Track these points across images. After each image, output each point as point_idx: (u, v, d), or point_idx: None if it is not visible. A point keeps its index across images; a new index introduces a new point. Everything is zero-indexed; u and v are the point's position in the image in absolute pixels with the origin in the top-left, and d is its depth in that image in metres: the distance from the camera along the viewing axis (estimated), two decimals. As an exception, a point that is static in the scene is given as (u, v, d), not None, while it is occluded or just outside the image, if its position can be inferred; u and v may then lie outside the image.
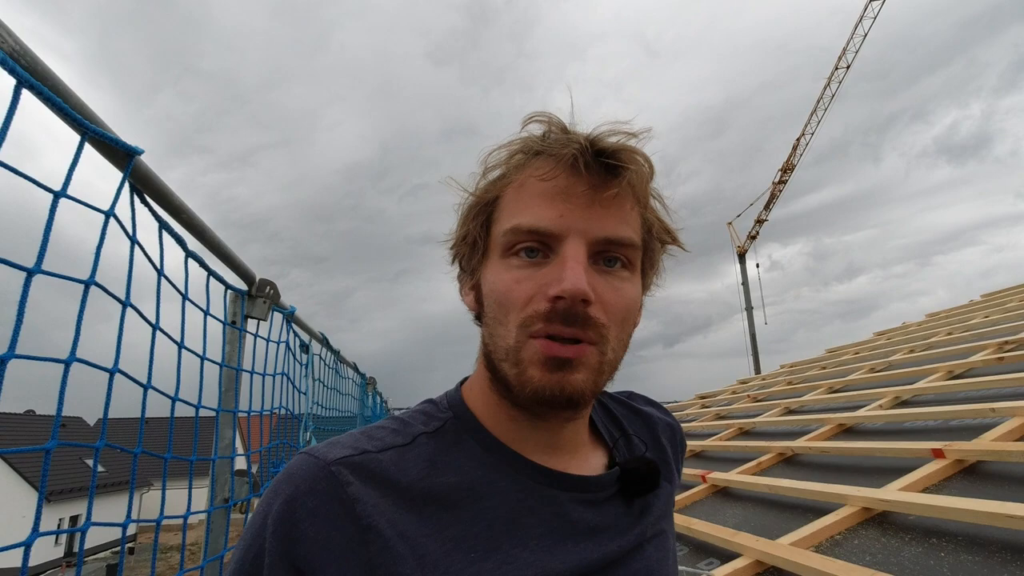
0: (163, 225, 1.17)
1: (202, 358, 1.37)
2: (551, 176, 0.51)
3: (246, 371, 1.77)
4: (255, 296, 1.83)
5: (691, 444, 3.83)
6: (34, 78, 0.71)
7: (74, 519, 25.09)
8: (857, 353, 5.22)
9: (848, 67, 27.58)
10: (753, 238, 35.77)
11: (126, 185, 0.95)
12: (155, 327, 1.13)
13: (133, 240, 1.03)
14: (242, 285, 1.78)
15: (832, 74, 28.05)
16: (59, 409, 0.83)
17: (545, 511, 0.53)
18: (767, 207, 34.52)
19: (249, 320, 1.86)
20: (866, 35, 26.41)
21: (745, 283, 35.10)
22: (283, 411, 2.29)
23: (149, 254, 1.11)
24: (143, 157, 1.01)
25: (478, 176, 0.58)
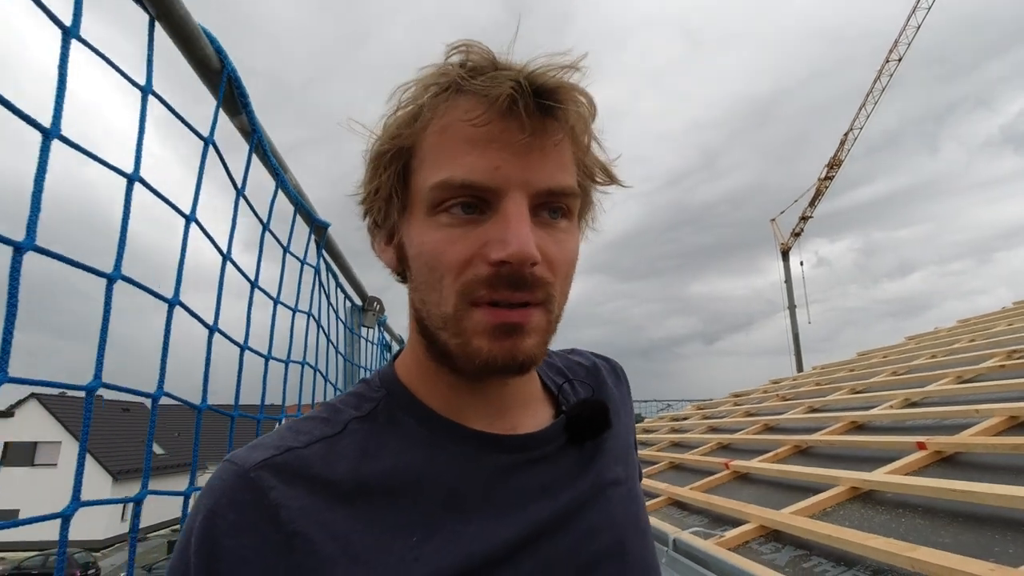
0: (330, 270, 1.70)
1: (348, 361, 1.91)
2: (484, 121, 0.46)
3: (361, 367, 2.32)
4: (366, 310, 2.37)
5: (720, 437, 4.22)
6: (318, 220, 1.23)
7: (139, 499, 26.95)
8: (885, 357, 5.46)
9: (900, 60, 26.74)
10: (797, 235, 35.07)
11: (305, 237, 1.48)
12: (330, 341, 1.66)
13: (323, 287, 1.55)
14: (358, 301, 2.31)
15: (882, 67, 27.28)
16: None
17: (490, 479, 0.51)
18: (812, 204, 33.79)
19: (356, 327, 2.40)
20: (919, 27, 25.56)
21: (788, 281, 34.50)
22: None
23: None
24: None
25: (390, 117, 0.51)
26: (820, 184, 32.79)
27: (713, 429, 5.07)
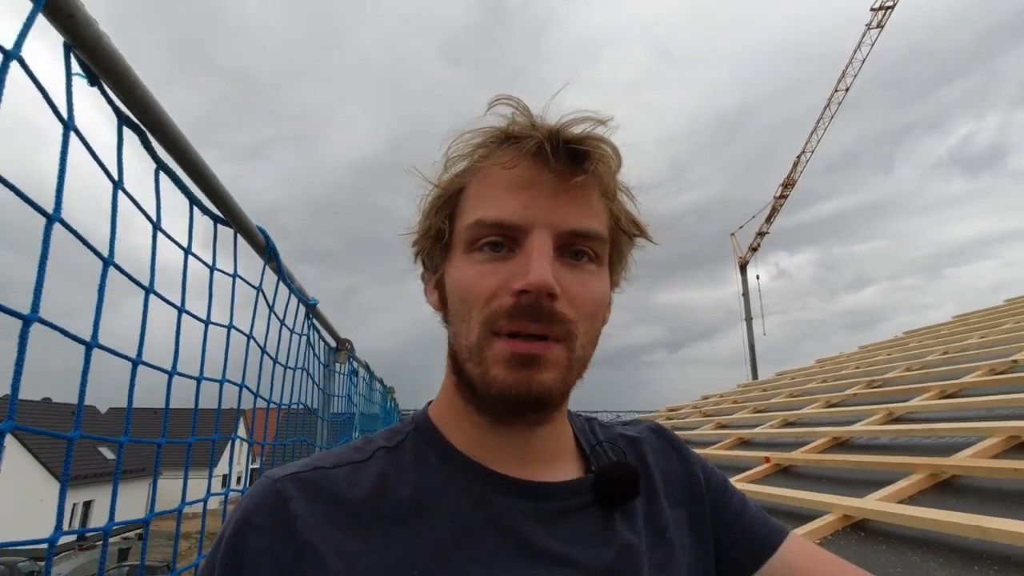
0: (315, 327, 2.29)
1: (324, 392, 2.49)
2: (514, 164, 0.50)
3: (334, 395, 2.90)
4: (339, 349, 2.95)
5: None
6: (309, 303, 1.82)
7: (87, 504, 26.32)
8: (793, 378, 6.29)
9: (847, 90, 28.52)
10: (754, 250, 36.49)
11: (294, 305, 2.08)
12: (315, 382, 2.25)
13: (312, 345, 2.14)
14: (332, 343, 2.89)
15: (832, 96, 29.00)
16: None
17: (502, 523, 0.50)
18: (768, 220, 35.26)
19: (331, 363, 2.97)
20: (864, 60, 27.37)
21: (746, 294, 35.82)
22: (345, 416, 3.42)
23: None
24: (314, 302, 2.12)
25: (440, 166, 0.56)
26: (776, 202, 34.34)
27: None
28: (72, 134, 0.69)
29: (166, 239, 0.97)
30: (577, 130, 0.50)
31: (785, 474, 2.89)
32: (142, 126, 0.84)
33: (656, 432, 0.70)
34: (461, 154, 0.54)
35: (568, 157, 0.50)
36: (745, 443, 3.94)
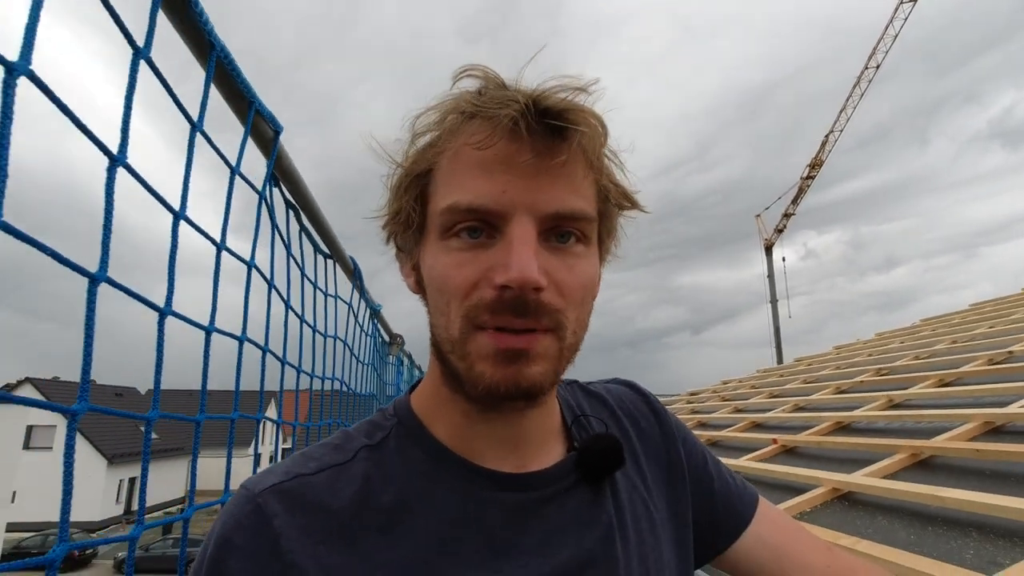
0: (376, 325, 2.68)
1: (380, 378, 2.90)
2: (489, 143, 0.46)
3: (387, 383, 3.31)
4: (392, 344, 3.35)
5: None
6: (375, 308, 2.20)
7: (132, 480, 27.85)
8: (810, 364, 6.54)
9: (878, 67, 27.81)
10: (780, 231, 36.08)
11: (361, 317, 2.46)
12: (378, 373, 2.64)
13: (377, 348, 2.53)
14: (387, 338, 3.29)
15: (862, 73, 28.34)
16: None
17: (491, 521, 0.50)
18: (795, 201, 34.81)
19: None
20: (897, 35, 26.62)
21: (771, 276, 35.55)
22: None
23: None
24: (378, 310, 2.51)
25: (407, 143, 0.52)
26: (803, 183, 33.82)
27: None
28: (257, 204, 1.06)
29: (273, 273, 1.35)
30: (556, 100, 0.46)
31: (790, 454, 3.21)
32: (298, 207, 1.21)
33: (643, 400, 0.70)
34: (429, 129, 0.51)
35: (548, 132, 0.46)
36: (758, 426, 4.25)
